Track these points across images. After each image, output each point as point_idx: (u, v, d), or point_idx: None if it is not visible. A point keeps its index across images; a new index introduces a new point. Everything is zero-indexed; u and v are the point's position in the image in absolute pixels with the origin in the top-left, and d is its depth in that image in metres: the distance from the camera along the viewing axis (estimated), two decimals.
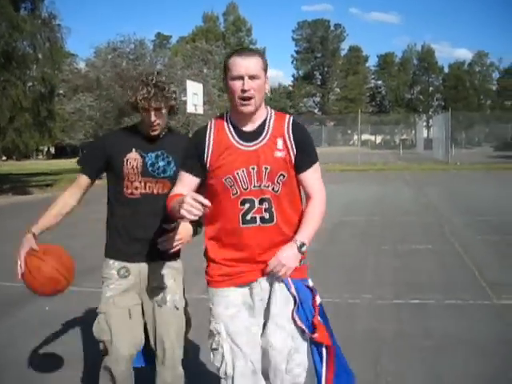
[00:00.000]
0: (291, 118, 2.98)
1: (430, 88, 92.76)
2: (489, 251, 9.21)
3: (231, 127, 2.90)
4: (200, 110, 25.40)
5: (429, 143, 58.50)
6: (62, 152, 70.51)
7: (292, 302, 2.89)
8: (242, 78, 2.76)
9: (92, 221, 7.28)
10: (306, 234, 2.88)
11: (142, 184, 3.28)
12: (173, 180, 3.17)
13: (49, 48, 22.92)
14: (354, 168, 35.80)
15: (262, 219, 2.86)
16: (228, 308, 2.89)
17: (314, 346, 2.91)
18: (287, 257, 2.82)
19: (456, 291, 6.79)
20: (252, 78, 2.77)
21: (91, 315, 5.54)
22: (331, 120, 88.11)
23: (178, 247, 3.16)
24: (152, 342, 3.36)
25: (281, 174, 2.86)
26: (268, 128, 2.91)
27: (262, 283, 2.91)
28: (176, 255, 3.37)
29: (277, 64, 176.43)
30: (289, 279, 2.89)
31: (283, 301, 2.89)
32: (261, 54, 2.90)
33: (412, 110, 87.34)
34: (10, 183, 26.42)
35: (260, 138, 2.88)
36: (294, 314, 2.86)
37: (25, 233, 3.27)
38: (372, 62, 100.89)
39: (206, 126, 2.96)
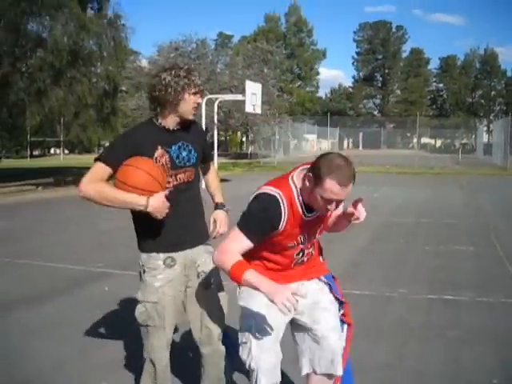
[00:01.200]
0: None
1: (492, 92, 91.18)
2: None
3: (303, 206, 3.01)
4: (258, 110, 25.81)
5: (489, 148, 57.77)
6: None
7: (327, 289, 3.33)
8: (335, 201, 2.88)
9: None
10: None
11: (173, 177, 3.37)
12: (195, 166, 3.49)
13: (113, 47, 23.72)
14: (411, 171, 35.72)
15: (308, 258, 3.28)
16: (261, 308, 3.11)
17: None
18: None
19: (489, 290, 7.10)
20: (340, 202, 2.95)
21: None
22: (391, 122, 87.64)
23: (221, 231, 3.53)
24: (196, 325, 3.53)
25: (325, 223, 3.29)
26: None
27: (303, 285, 3.25)
28: (208, 236, 3.60)
29: (337, 65, 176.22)
30: (322, 277, 3.36)
31: (319, 290, 3.30)
32: (354, 178, 2.89)
33: (473, 114, 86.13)
34: (73, 176, 27.35)
35: (313, 214, 3.09)
36: (334, 293, 3.32)
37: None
38: (434, 65, 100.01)
39: (278, 204, 2.98)
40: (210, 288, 3.51)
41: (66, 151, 66.03)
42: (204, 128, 24.75)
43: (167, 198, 3.23)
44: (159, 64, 35.28)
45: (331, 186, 2.79)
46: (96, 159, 3.35)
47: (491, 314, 6.17)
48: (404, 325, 5.79)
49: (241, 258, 2.95)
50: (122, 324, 5.49)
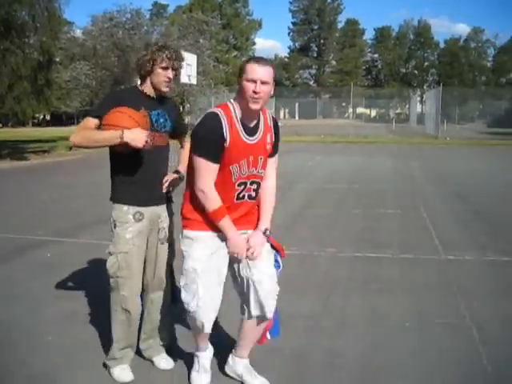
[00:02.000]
0: (270, 115, 3.64)
1: (426, 63, 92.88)
2: (450, 217, 10.07)
3: (240, 124, 3.42)
4: (194, 81, 25.88)
5: (422, 118, 59.12)
6: (58, 120, 70.76)
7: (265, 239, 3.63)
8: (255, 81, 3.29)
9: (87, 184, 8.00)
10: (267, 221, 3.63)
11: (150, 137, 3.69)
12: (169, 132, 3.97)
13: (47, 17, 23.31)
14: (345, 140, 36.46)
15: (249, 196, 3.56)
16: (205, 249, 3.49)
17: None
18: (256, 243, 3.52)
19: (411, 248, 7.65)
20: (263, 83, 3.30)
21: (86, 261, 6.42)
22: (326, 92, 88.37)
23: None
24: (148, 273, 3.95)
25: (266, 160, 3.58)
26: (261, 125, 3.53)
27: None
28: (171, 199, 4.05)
29: (274, 35, 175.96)
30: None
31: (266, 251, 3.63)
32: (273, 65, 3.42)
33: (407, 84, 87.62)
34: (8, 149, 27.05)
35: (257, 134, 3.49)
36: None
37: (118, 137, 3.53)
38: (369, 36, 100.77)
39: (218, 118, 3.37)
40: (164, 243, 3.97)
41: (0, 124, 64.69)
42: None
43: (146, 142, 3.59)
44: (93, 35, 35.04)
45: (250, 66, 3.31)
46: (84, 115, 3.86)
47: (410, 269, 6.71)
48: (329, 279, 6.27)
49: (219, 201, 3.42)
50: (69, 286, 5.82)
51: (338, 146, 31.58)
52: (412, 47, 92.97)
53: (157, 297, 4.03)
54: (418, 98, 79.78)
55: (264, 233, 3.58)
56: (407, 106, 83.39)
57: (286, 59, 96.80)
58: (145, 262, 3.93)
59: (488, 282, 6.25)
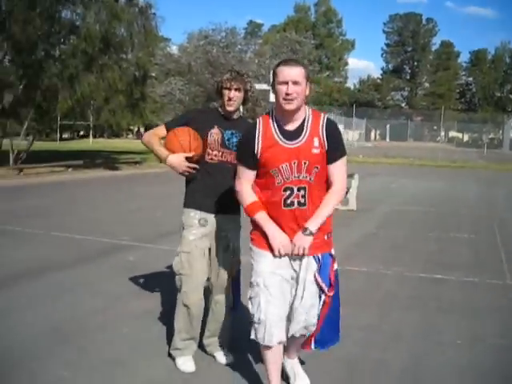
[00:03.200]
0: (325, 118, 3.59)
1: None
2: None
3: (276, 126, 3.53)
4: None
5: None
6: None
7: (314, 267, 3.60)
8: (286, 83, 3.39)
9: (171, 195, 8.51)
10: (312, 222, 3.52)
11: (220, 153, 4.19)
12: None
13: (143, 35, 24.43)
14: (433, 164, 36.13)
15: (299, 203, 3.53)
16: (268, 266, 3.58)
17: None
18: (297, 242, 3.51)
19: (477, 272, 7.78)
20: (295, 83, 3.39)
21: (164, 266, 6.88)
22: (418, 115, 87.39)
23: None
24: (213, 276, 4.32)
25: (315, 167, 3.50)
26: (306, 129, 3.52)
27: (296, 260, 3.62)
28: (238, 211, 4.29)
29: (367, 56, 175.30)
30: (319, 255, 3.61)
31: (305, 267, 3.61)
32: (304, 64, 3.53)
33: (501, 109, 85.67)
34: (102, 159, 28.27)
35: (300, 137, 3.50)
36: (316, 274, 3.60)
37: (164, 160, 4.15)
38: (464, 58, 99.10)
39: (254, 124, 3.62)
40: (227, 250, 4.31)
41: (95, 135, 67.06)
42: None
43: (197, 163, 4.12)
44: (188, 51, 36.11)
45: (280, 69, 3.44)
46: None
47: (473, 292, 6.86)
48: (391, 296, 6.51)
49: (255, 196, 3.60)
50: (144, 287, 6.32)
51: (424, 169, 31.46)
52: (508, 71, 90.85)
53: (220, 299, 4.39)
54: None
55: (304, 232, 3.52)
56: (500, 132, 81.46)
57: (379, 80, 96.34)
58: (210, 266, 4.31)
59: None
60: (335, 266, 3.72)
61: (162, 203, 13.14)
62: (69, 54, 21.29)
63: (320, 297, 3.66)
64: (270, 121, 3.57)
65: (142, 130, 76.72)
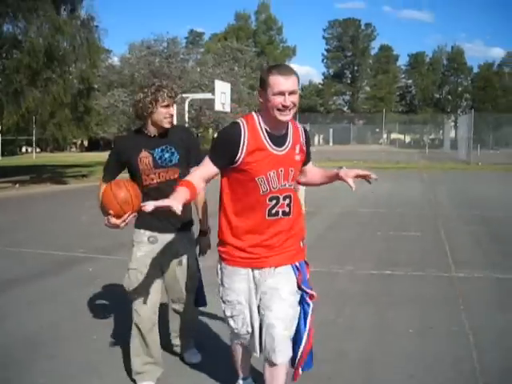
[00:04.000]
0: (302, 127, 3.53)
1: (459, 88, 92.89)
2: (468, 239, 10.55)
3: (265, 134, 3.28)
4: (227, 109, 26.70)
5: (455, 143, 59.02)
6: (94, 145, 72.24)
7: (293, 276, 3.46)
8: (283, 94, 3.14)
9: None
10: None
11: (157, 175, 4.00)
12: (179, 166, 4.05)
13: (87, 48, 24.34)
14: (377, 166, 36.72)
15: (283, 212, 3.38)
16: (247, 282, 3.44)
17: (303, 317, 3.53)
18: None
19: (425, 266, 8.17)
20: (291, 93, 3.16)
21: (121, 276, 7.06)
22: (360, 118, 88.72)
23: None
24: (169, 293, 4.36)
25: (296, 173, 3.45)
26: (290, 135, 3.38)
27: (274, 271, 3.44)
28: (190, 227, 4.27)
29: (308, 62, 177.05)
30: (296, 263, 3.49)
31: (284, 276, 3.44)
32: (295, 71, 3.23)
33: (440, 109, 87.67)
34: (48, 173, 28.06)
35: (286, 144, 3.33)
36: (301, 283, 3.47)
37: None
38: (403, 61, 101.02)
39: (238, 125, 3.27)
40: (181, 266, 4.22)
41: (38, 149, 66.28)
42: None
43: (149, 192, 3.88)
44: (131, 63, 36.13)
45: (274, 79, 3.15)
46: None
47: (420, 284, 7.24)
48: (344, 293, 6.84)
49: (194, 180, 3.26)
50: (109, 296, 6.51)
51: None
52: (445, 73, 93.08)
53: (178, 307, 4.43)
54: (452, 124, 79.80)
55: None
56: (441, 132, 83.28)
57: (320, 85, 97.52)
58: (165, 282, 4.30)
59: (492, 297, 6.76)
60: (308, 275, 3.59)
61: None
62: (12, 69, 21.16)
63: (304, 307, 3.52)
64: (257, 124, 3.30)
65: (85, 142, 76.28)
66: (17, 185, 22.12)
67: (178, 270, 4.23)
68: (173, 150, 4.07)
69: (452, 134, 74.58)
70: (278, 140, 3.30)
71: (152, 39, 36.83)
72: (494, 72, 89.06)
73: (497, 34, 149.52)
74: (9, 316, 5.95)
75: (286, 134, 3.36)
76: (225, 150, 3.25)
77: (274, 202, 3.32)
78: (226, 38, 71.70)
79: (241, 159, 3.22)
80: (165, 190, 3.79)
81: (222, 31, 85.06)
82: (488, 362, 4.70)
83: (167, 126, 4.03)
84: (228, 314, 3.53)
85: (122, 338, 5.10)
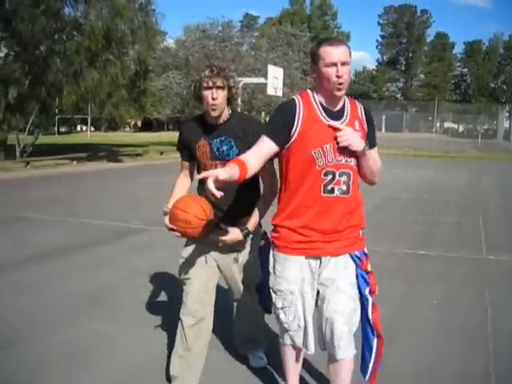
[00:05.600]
0: (362, 105, 3.35)
1: None
2: (504, 225, 10.99)
3: (321, 107, 3.15)
4: (279, 93, 27.20)
5: (509, 134, 58.48)
6: (148, 126, 73.40)
7: (352, 267, 3.31)
8: (335, 64, 3.02)
9: (169, 186, 9.29)
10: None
11: (214, 166, 3.55)
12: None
13: (144, 31, 25.13)
14: (428, 154, 36.78)
15: (340, 190, 3.17)
16: (301, 271, 3.24)
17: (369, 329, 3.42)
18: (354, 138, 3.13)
19: (458, 248, 8.66)
20: (343, 64, 3.04)
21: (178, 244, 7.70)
22: (413, 106, 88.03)
23: (220, 243, 3.64)
24: (230, 292, 4.03)
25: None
26: (347, 110, 3.22)
27: (330, 259, 3.27)
28: (245, 223, 3.67)
29: (362, 47, 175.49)
30: (356, 253, 3.33)
31: (343, 267, 3.29)
32: (347, 43, 3.18)
33: (495, 99, 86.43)
34: (103, 152, 29.02)
35: (343, 118, 3.18)
36: (356, 276, 3.33)
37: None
38: (458, 50, 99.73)
39: (293, 100, 3.20)
40: (237, 261, 3.82)
41: (92, 128, 67.73)
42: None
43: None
44: (185, 45, 36.86)
45: (325, 50, 3.06)
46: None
47: (451, 264, 7.75)
48: (378, 268, 7.30)
49: (247, 158, 3.10)
50: (164, 261, 7.17)
51: (418, 159, 32.26)
52: (502, 62, 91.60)
53: (241, 304, 4.10)
54: (507, 114, 78.69)
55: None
56: (495, 122, 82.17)
57: (374, 72, 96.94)
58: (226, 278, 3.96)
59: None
60: (369, 267, 3.44)
61: (167, 191, 13.88)
62: (73, 51, 21.98)
63: (364, 302, 3.38)
64: (312, 99, 3.20)
65: (138, 123, 77.52)
66: (74, 161, 23.04)
67: (234, 267, 3.87)
68: (232, 143, 3.67)
69: (506, 124, 73.60)
70: (334, 114, 3.17)
71: (207, 23, 37.50)
72: None
73: None
74: (71, 277, 6.65)
75: (343, 109, 3.23)
76: (282, 122, 3.15)
77: (330, 177, 3.14)
78: (280, 23, 71.90)
79: (297, 131, 3.11)
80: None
81: (277, 15, 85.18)
82: (501, 331, 5.19)
83: (213, 114, 3.61)
84: (279, 305, 3.33)
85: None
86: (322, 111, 3.15)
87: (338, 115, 3.17)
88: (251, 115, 3.97)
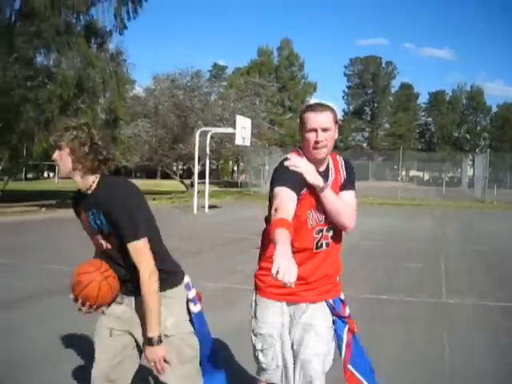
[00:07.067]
0: (342, 159, 3.50)
1: (478, 127, 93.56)
2: (466, 270, 11.43)
3: None
4: (247, 143, 27.62)
5: (473, 182, 59.41)
6: (116, 174, 73.03)
7: (328, 312, 3.46)
8: (315, 130, 3.18)
9: None
10: None
11: (99, 241, 3.22)
12: (112, 236, 3.13)
13: (116, 80, 25.62)
14: (393, 202, 37.32)
15: (326, 244, 3.38)
16: (281, 317, 3.38)
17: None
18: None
19: (418, 293, 9.06)
20: (324, 130, 3.18)
21: None
22: (379, 155, 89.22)
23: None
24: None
25: None
26: (331, 170, 3.39)
27: (308, 307, 3.40)
28: (167, 287, 3.24)
29: (329, 98, 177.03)
30: (330, 301, 3.46)
31: (320, 312, 3.43)
32: (332, 108, 3.27)
33: (459, 148, 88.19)
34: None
35: (328, 179, 3.34)
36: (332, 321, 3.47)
37: None
38: (423, 99, 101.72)
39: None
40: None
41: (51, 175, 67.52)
42: (197, 157, 26.62)
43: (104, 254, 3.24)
44: (155, 94, 37.41)
45: (307, 116, 3.23)
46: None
47: (412, 309, 8.11)
48: None
49: (289, 215, 2.88)
50: None
51: (383, 207, 32.73)
52: (465, 112, 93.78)
53: None
54: (470, 162, 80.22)
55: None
56: (459, 170, 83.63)
57: (340, 121, 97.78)
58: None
59: (475, 321, 7.59)
60: (347, 310, 3.60)
61: None
62: (45, 99, 22.32)
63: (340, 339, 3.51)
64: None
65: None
66: (43, 208, 23.16)
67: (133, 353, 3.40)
68: (101, 217, 3.13)
69: (470, 172, 74.98)
70: (320, 175, 3.27)
71: (177, 72, 38.10)
72: None
73: None
74: (49, 321, 6.89)
75: (328, 169, 3.38)
76: (291, 175, 3.17)
77: (320, 234, 3.33)
78: (248, 73, 73.19)
79: (303, 190, 3.22)
80: (107, 257, 3.22)
81: (245, 66, 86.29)
82: (458, 362, 5.57)
83: (77, 178, 3.20)
84: (258, 347, 3.41)
85: None
86: None
87: (323, 176, 3.29)
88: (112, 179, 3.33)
